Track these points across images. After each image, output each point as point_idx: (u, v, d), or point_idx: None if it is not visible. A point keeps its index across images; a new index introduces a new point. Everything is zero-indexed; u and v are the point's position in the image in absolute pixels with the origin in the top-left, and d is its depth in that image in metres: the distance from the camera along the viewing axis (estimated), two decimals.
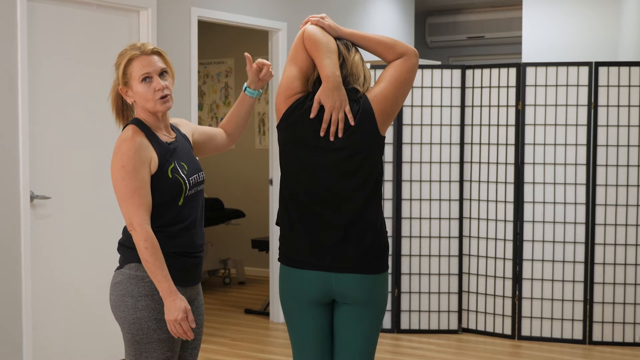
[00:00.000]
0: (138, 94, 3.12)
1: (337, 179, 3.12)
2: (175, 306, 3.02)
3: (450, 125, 6.80)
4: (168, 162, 3.12)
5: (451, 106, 6.80)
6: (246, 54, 3.38)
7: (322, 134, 3.09)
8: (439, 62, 9.69)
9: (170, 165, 3.12)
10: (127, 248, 3.14)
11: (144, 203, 3.02)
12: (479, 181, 6.75)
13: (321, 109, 3.09)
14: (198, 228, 3.21)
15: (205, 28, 8.94)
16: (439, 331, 6.85)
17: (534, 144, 6.58)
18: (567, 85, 6.51)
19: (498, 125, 6.65)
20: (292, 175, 3.17)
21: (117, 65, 3.15)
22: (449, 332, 6.85)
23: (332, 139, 3.09)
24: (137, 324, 3.06)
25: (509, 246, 6.64)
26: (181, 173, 3.14)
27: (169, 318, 3.03)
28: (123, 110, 3.25)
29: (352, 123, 3.09)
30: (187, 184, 3.15)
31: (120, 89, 3.14)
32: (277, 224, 3.26)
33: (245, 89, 3.44)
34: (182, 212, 3.14)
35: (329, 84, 3.06)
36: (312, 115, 3.09)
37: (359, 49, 3.24)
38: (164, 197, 3.09)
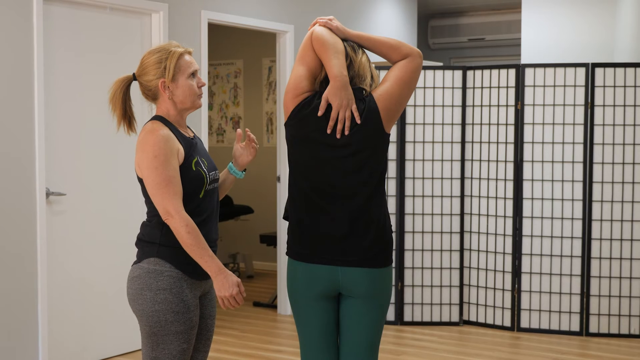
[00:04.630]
0: (182, 88, 3.12)
1: (343, 175, 3.10)
2: (229, 282, 3.04)
3: (452, 124, 6.78)
4: (192, 155, 3.13)
5: (452, 106, 6.78)
6: (238, 130, 3.39)
7: (329, 131, 3.08)
8: (440, 63, 9.66)
9: (194, 159, 3.13)
10: (145, 243, 3.13)
11: (177, 192, 3.02)
12: (480, 178, 6.73)
13: (328, 107, 3.08)
14: (213, 223, 3.20)
15: (215, 30, 8.92)
16: (440, 323, 6.84)
17: (533, 142, 6.56)
18: (564, 86, 6.49)
19: (498, 124, 6.63)
20: (300, 171, 3.16)
21: (162, 59, 3.10)
22: (450, 324, 6.84)
23: (338, 136, 3.08)
24: (156, 317, 3.05)
25: (509, 241, 6.62)
26: (203, 167, 3.15)
27: (223, 294, 3.04)
28: (125, 110, 3.21)
29: (359, 121, 3.07)
30: (208, 178, 3.15)
31: (162, 82, 3.10)
32: (284, 218, 3.25)
33: (230, 168, 3.43)
34: (201, 205, 3.14)
35: (336, 83, 3.05)
36: (320, 113, 3.07)
37: (366, 50, 3.22)
38: (186, 189, 3.08)
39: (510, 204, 6.61)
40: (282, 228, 7.25)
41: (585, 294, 6.50)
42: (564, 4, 8.07)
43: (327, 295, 3.18)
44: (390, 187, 6.79)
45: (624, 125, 6.40)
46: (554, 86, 6.51)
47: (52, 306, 5.38)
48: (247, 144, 3.44)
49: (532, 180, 6.57)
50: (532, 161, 6.56)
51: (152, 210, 3.12)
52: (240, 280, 3.08)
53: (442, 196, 6.79)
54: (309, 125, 3.10)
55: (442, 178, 6.78)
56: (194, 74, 3.15)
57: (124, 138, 5.21)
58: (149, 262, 3.10)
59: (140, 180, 3.12)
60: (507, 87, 6.59)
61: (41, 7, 5.19)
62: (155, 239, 3.10)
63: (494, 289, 6.71)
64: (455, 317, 6.85)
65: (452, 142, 6.78)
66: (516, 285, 6.62)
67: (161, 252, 3.08)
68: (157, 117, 3.15)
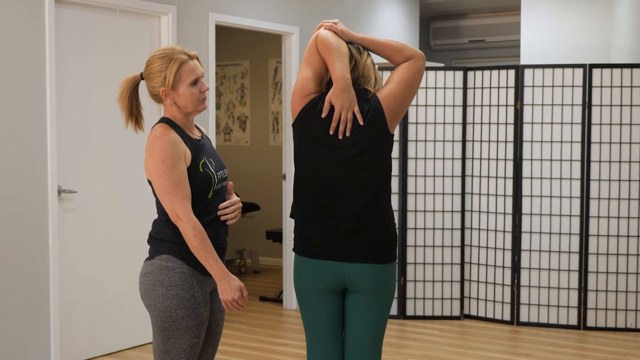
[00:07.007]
0: (183, 95, 3.09)
1: (348, 175, 3.10)
2: (231, 287, 3.03)
3: (453, 123, 6.77)
4: (199, 157, 3.12)
5: (454, 106, 6.77)
6: (230, 183, 3.30)
7: (331, 132, 3.08)
8: (442, 64, 9.65)
9: (201, 160, 3.12)
10: (157, 240, 3.13)
11: (185, 195, 3.01)
12: (480, 176, 6.73)
13: (332, 108, 3.07)
14: (223, 221, 3.20)
15: (222, 32, 8.92)
16: (442, 317, 6.83)
17: (532, 141, 6.55)
18: (563, 86, 6.48)
19: (498, 123, 6.63)
20: (306, 170, 3.16)
21: (163, 68, 3.08)
22: (451, 318, 6.83)
23: (340, 137, 3.08)
24: (167, 312, 3.06)
25: (508, 237, 6.62)
26: (210, 168, 3.14)
27: (226, 298, 3.04)
28: (132, 108, 3.20)
29: (361, 123, 3.07)
30: (216, 178, 3.14)
31: (163, 91, 3.09)
32: (291, 216, 3.25)
33: None
34: (210, 204, 3.13)
35: (339, 85, 3.04)
36: (323, 115, 3.07)
37: (370, 53, 3.22)
38: (194, 191, 3.07)
39: (509, 201, 6.61)
40: (288, 224, 7.25)
41: (582, 289, 6.50)
42: (562, 6, 8.06)
43: (333, 290, 3.18)
44: (393, 184, 6.78)
45: (621, 124, 6.40)
46: (553, 86, 6.50)
47: (64, 301, 5.38)
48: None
49: (531, 178, 6.56)
50: (531, 159, 6.55)
51: (162, 210, 3.11)
52: (243, 285, 3.07)
53: (443, 194, 6.78)
54: (315, 126, 3.10)
55: (443, 176, 6.78)
56: (196, 81, 3.12)
57: (133, 137, 5.20)
58: (160, 258, 3.10)
59: (150, 182, 3.12)
60: (507, 87, 6.59)
61: (53, 10, 5.20)
62: (166, 236, 3.10)
63: (494, 284, 6.70)
64: (456, 312, 6.85)
65: (453, 141, 6.77)
66: (515, 281, 6.62)
67: (172, 249, 3.08)
68: (164, 120, 3.14)
